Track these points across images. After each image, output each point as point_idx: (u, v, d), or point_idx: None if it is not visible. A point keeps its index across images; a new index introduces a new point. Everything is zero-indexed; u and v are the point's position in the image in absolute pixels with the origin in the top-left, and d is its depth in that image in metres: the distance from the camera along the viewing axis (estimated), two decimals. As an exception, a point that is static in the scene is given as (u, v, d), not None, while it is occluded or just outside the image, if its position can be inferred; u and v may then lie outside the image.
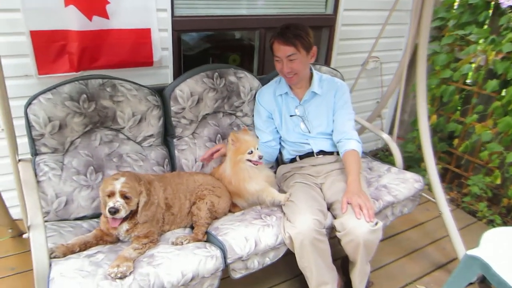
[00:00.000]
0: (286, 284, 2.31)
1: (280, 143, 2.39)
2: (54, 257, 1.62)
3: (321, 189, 2.17)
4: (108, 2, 2.24)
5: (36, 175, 1.89)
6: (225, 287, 2.22)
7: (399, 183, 2.29)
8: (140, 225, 1.76)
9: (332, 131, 2.27)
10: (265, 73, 2.75)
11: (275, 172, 2.41)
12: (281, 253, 1.94)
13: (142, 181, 1.78)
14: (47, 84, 1.97)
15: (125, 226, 1.76)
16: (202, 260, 1.67)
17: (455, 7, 3.40)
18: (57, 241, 1.72)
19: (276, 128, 2.35)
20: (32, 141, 1.90)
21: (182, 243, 1.78)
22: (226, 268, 1.80)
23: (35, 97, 1.87)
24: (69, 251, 1.67)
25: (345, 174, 2.08)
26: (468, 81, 3.42)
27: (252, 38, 3.18)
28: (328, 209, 2.06)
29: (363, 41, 2.96)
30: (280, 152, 2.43)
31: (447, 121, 3.46)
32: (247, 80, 2.40)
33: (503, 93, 3.01)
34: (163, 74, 2.60)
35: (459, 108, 3.47)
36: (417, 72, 2.54)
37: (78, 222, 1.94)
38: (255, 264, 1.87)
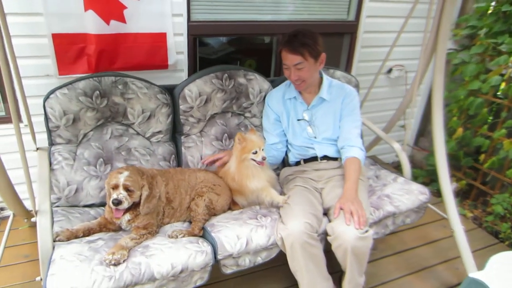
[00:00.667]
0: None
1: (286, 146, 2.42)
2: (59, 240, 1.75)
3: (321, 194, 2.17)
4: (126, 7, 2.35)
5: (50, 163, 2.04)
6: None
7: (403, 194, 2.25)
8: (140, 216, 1.86)
9: (338, 137, 2.27)
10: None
11: (279, 174, 2.43)
12: (273, 254, 1.97)
13: (145, 175, 1.87)
14: (66, 84, 2.11)
15: (127, 216, 1.86)
16: (192, 254, 1.74)
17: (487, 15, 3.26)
18: (64, 226, 1.85)
19: (283, 131, 2.38)
20: (49, 132, 2.06)
21: (177, 237, 1.86)
22: (217, 264, 1.86)
23: (52, 91, 2.02)
24: (73, 236, 1.80)
25: None
26: (498, 93, 3.27)
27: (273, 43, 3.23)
28: (326, 214, 2.07)
29: (386, 49, 2.91)
30: (286, 155, 2.45)
31: (474, 135, 3.32)
32: (256, 82, 2.44)
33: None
34: (178, 77, 2.69)
35: (489, 121, 3.32)
36: (433, 81, 2.45)
37: (86, 209, 2.07)
38: (246, 262, 1.92)
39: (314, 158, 2.31)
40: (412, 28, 2.93)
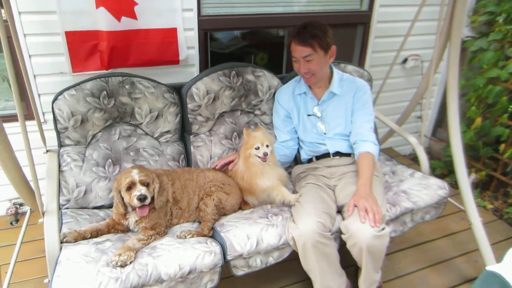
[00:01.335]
0: (298, 285, 2.30)
1: (298, 143, 2.37)
2: (66, 242, 1.75)
3: (334, 191, 2.12)
4: (136, 4, 2.36)
5: (59, 165, 2.04)
6: (236, 283, 2.28)
7: (421, 189, 2.17)
8: (148, 217, 1.84)
9: (350, 132, 2.21)
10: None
11: (290, 173, 2.40)
12: (285, 254, 1.93)
13: (151, 170, 1.88)
14: (80, 81, 2.13)
15: (135, 217, 1.85)
16: (200, 255, 1.71)
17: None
18: (72, 227, 1.85)
19: (294, 127, 2.33)
20: (58, 133, 2.06)
21: (185, 237, 1.84)
22: (227, 265, 1.83)
23: (60, 93, 2.01)
24: (80, 237, 1.80)
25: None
26: (519, 81, 3.14)
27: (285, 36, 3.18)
28: (340, 211, 2.02)
29: (400, 39, 2.82)
30: (298, 152, 2.41)
31: (493, 124, 3.20)
32: (265, 79, 2.39)
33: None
34: (190, 72, 2.68)
35: (509, 109, 3.20)
36: (448, 70, 2.36)
37: (96, 210, 2.07)
38: (257, 263, 1.88)
39: (326, 155, 2.26)
40: (427, 16, 2.83)
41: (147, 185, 1.77)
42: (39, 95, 2.48)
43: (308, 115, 2.25)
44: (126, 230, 1.93)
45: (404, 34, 2.74)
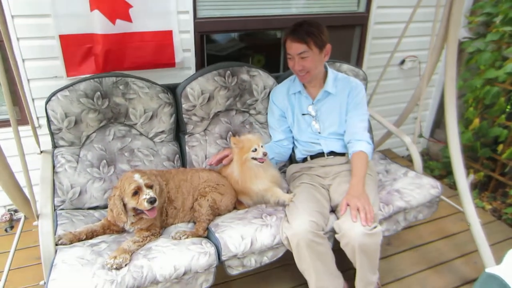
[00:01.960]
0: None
1: (293, 142, 2.36)
2: (61, 244, 1.73)
3: (328, 190, 2.11)
4: (131, 6, 2.34)
5: (54, 166, 2.03)
6: (235, 286, 2.27)
7: (414, 188, 2.17)
8: (143, 218, 1.83)
9: (345, 131, 2.20)
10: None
11: (285, 172, 2.39)
12: (280, 253, 1.92)
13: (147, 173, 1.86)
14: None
15: (131, 219, 1.83)
16: (195, 256, 1.70)
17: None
18: (68, 228, 1.84)
19: (289, 127, 2.33)
20: (52, 134, 2.06)
21: (180, 238, 1.82)
22: (222, 265, 1.82)
23: (54, 94, 2.01)
24: (75, 239, 1.78)
25: None
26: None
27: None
28: (334, 211, 2.01)
29: (397, 40, 2.82)
30: (293, 151, 2.40)
31: (491, 125, 3.19)
32: (260, 78, 2.39)
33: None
34: (186, 75, 2.64)
35: (507, 110, 3.19)
36: (445, 71, 2.36)
37: (91, 211, 2.06)
38: (252, 263, 1.88)
39: (320, 154, 2.25)
40: (424, 18, 2.84)
41: (151, 187, 1.76)
42: (33, 99, 2.45)
43: (303, 114, 2.24)
44: (121, 231, 1.92)
45: (402, 35, 2.73)
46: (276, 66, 3.13)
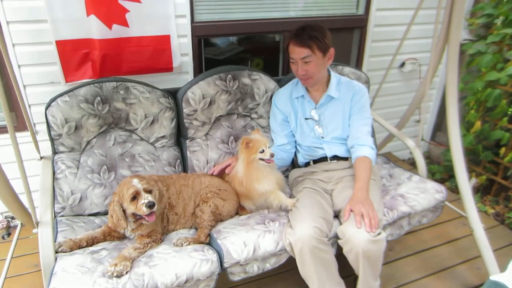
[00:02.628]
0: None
1: (295, 146, 2.34)
2: (62, 251, 1.70)
3: (331, 195, 2.09)
4: (128, 11, 2.32)
5: (54, 172, 2.01)
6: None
7: (418, 193, 2.15)
8: (144, 224, 1.81)
9: (348, 136, 2.18)
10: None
11: (287, 176, 2.37)
12: (282, 260, 1.90)
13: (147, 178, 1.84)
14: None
15: (132, 225, 1.81)
16: (197, 263, 1.68)
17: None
18: (68, 236, 1.82)
19: (291, 131, 2.31)
20: (52, 140, 2.03)
21: (182, 245, 1.80)
22: (224, 272, 1.80)
23: (54, 99, 1.99)
24: (76, 246, 1.76)
25: None
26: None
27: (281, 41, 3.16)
28: (337, 216, 1.99)
29: (397, 43, 2.80)
30: (296, 155, 2.38)
31: (493, 128, 3.18)
32: (262, 82, 2.37)
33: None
34: (184, 79, 2.64)
35: (509, 112, 3.18)
36: (447, 74, 2.34)
37: (91, 217, 2.04)
38: (254, 269, 1.86)
39: (323, 159, 2.23)
40: (424, 20, 2.82)
41: (150, 192, 1.74)
42: (29, 105, 2.41)
43: (306, 118, 2.22)
44: (122, 237, 1.90)
45: (401, 38, 2.72)
46: (275, 70, 3.11)
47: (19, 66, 2.31)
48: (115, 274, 1.56)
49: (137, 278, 1.58)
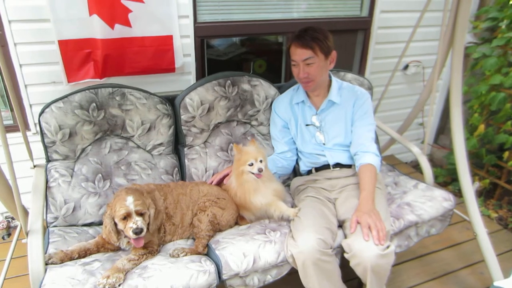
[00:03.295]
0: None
1: (297, 154, 2.29)
2: (52, 263, 1.64)
3: (334, 204, 2.03)
4: (130, 11, 2.29)
5: (47, 181, 1.95)
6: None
7: (425, 201, 2.08)
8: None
9: (351, 142, 2.12)
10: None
11: (289, 185, 2.31)
12: (284, 271, 1.84)
13: (145, 193, 1.77)
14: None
15: (125, 239, 1.76)
16: (194, 274, 1.62)
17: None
18: (60, 247, 1.76)
19: (292, 138, 2.25)
20: (45, 148, 1.97)
21: (178, 255, 1.75)
22: (223, 284, 1.74)
23: (47, 105, 1.93)
24: (67, 258, 1.70)
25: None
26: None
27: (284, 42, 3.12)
28: (340, 226, 1.93)
29: (401, 45, 2.75)
30: (297, 163, 2.32)
31: (497, 132, 3.13)
32: (262, 88, 2.31)
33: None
34: (186, 80, 2.62)
35: (514, 116, 3.14)
36: (451, 76, 2.30)
37: (85, 228, 1.98)
38: (255, 282, 1.79)
39: (326, 166, 2.17)
40: (428, 22, 2.77)
41: (142, 215, 1.67)
42: (30, 105, 2.41)
43: (307, 125, 2.17)
44: (117, 249, 1.83)
45: (405, 40, 2.67)
46: (278, 71, 3.06)
47: (20, 66, 2.29)
48: (107, 287, 1.50)
49: (130, 290, 1.52)
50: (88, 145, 2.05)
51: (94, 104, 1.98)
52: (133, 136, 2.13)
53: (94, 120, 2.00)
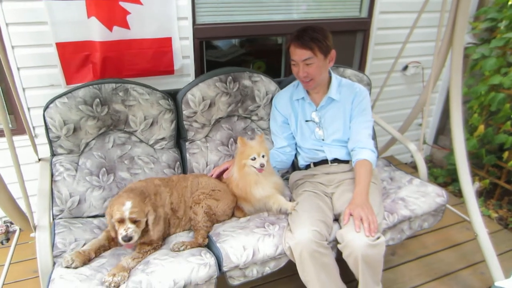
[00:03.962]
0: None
1: (296, 149, 2.32)
2: (75, 267, 1.63)
3: (331, 198, 2.07)
4: (129, 13, 2.30)
5: (52, 175, 1.99)
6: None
7: (419, 197, 2.12)
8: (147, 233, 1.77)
9: (349, 138, 2.16)
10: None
11: (287, 179, 2.34)
12: (282, 263, 1.88)
13: (147, 197, 1.78)
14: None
15: None
16: (195, 268, 1.65)
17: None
18: (65, 237, 1.79)
19: (291, 133, 2.29)
20: (50, 142, 2.01)
21: (179, 249, 1.78)
22: (223, 275, 1.77)
23: (52, 101, 1.97)
24: (86, 259, 1.70)
25: None
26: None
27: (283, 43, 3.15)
28: (337, 220, 1.96)
29: (401, 46, 2.78)
30: (296, 158, 2.36)
31: (497, 132, 3.15)
32: (262, 84, 2.35)
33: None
34: (185, 82, 2.60)
35: (514, 116, 3.15)
36: (450, 77, 2.32)
37: (89, 219, 2.01)
38: (254, 273, 1.83)
39: (324, 161, 2.21)
40: (428, 23, 2.80)
41: (135, 222, 1.68)
42: (28, 108, 2.40)
43: (306, 120, 2.20)
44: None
45: (405, 41, 2.70)
46: (277, 73, 3.09)
47: (18, 69, 2.28)
48: (112, 285, 1.54)
49: (134, 286, 1.55)
50: (92, 140, 2.09)
51: (98, 100, 2.02)
52: (136, 131, 2.17)
53: (98, 116, 2.04)
